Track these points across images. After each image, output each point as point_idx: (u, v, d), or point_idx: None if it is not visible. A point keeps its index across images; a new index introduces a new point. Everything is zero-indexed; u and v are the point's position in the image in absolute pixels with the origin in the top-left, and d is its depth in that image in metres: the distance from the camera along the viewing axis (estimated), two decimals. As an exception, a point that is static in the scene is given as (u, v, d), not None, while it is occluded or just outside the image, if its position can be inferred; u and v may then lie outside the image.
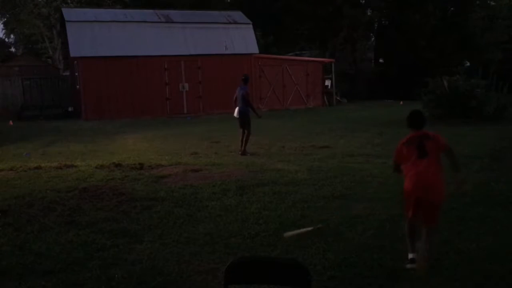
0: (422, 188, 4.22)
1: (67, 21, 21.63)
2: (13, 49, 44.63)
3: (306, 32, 33.56)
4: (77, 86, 21.95)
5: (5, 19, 36.79)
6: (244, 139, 10.62)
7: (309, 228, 5.32)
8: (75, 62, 21.52)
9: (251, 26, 24.28)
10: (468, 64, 33.64)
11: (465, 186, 4.93)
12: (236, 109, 10.77)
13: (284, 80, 25.01)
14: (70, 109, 23.33)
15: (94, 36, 21.03)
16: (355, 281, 4.09)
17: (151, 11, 24.01)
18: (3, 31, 50.10)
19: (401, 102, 24.95)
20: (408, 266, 4.27)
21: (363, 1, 33.83)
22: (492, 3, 35.17)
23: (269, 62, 24.48)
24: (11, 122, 19.71)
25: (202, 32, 23.12)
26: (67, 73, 26.18)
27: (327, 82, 27.07)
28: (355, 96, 28.73)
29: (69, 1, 31.16)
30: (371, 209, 6.05)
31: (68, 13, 22.78)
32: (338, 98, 27.58)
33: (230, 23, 24.11)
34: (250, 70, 23.17)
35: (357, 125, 15.64)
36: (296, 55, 28.72)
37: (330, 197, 6.66)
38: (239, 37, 23.82)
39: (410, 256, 4.32)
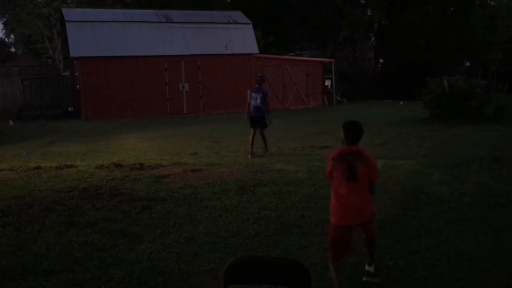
0: (353, 218, 3.90)
1: (67, 21, 21.63)
2: (13, 49, 44.64)
3: (306, 32, 33.56)
4: (77, 86, 21.96)
5: (5, 19, 36.81)
6: (262, 138, 10.51)
7: None
8: (75, 62, 21.52)
9: (251, 26, 24.28)
10: (468, 64, 33.67)
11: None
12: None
13: (284, 80, 25.01)
14: (70, 109, 23.33)
15: (94, 36, 21.03)
16: (355, 281, 4.09)
17: (151, 11, 24.03)
18: (3, 31, 50.09)
19: (401, 102, 24.95)
20: None
21: (363, 1, 33.81)
22: (492, 3, 35.19)
23: (269, 62, 24.48)
24: (11, 122, 19.71)
25: (202, 32, 23.13)
26: (67, 73, 26.19)
27: (327, 82, 27.07)
28: (355, 96, 28.73)
29: (69, 1, 31.18)
30: (371, 209, 6.05)
31: (68, 13, 22.79)
32: (338, 98, 27.59)
33: (230, 23, 24.11)
34: (250, 70, 23.19)
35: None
36: (296, 55, 28.71)
37: (330, 197, 6.64)
38: (239, 37, 23.83)
39: None
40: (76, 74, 21.88)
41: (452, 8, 33.18)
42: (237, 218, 5.76)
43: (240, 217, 5.78)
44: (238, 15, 24.92)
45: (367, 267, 4.16)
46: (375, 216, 4.10)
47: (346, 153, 3.90)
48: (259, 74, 11.62)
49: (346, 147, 3.94)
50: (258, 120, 10.54)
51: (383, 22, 35.84)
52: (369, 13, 34.23)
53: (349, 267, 4.33)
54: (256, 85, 10.68)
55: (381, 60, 36.59)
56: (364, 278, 4.12)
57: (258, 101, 10.47)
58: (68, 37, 21.42)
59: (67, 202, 6.66)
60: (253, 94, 10.53)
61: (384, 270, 4.22)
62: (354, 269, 4.30)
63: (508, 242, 4.84)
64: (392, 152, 10.31)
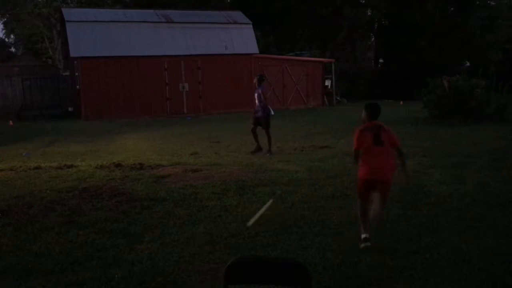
0: (377, 173, 4.76)
1: (67, 21, 21.64)
2: (13, 49, 44.63)
3: (306, 32, 33.57)
4: (77, 86, 21.96)
5: (5, 19, 36.82)
6: (267, 138, 10.57)
7: (269, 203, 5.86)
8: (75, 62, 21.53)
9: (251, 26, 24.28)
10: (468, 64, 33.67)
11: (410, 180, 5.48)
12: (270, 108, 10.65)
13: (284, 80, 25.02)
14: (70, 109, 23.34)
15: (94, 36, 21.04)
16: (355, 281, 4.09)
17: (151, 11, 24.03)
18: (3, 31, 50.05)
19: (401, 102, 24.95)
20: (362, 245, 4.68)
21: (363, 1, 33.82)
22: (492, 3, 35.19)
23: (269, 62, 24.48)
24: (11, 122, 19.71)
25: (202, 32, 23.14)
26: (67, 73, 26.20)
27: (327, 82, 27.07)
28: (355, 96, 28.73)
29: (69, 1, 31.20)
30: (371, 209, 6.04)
31: (68, 13, 22.81)
32: (338, 98, 27.59)
33: (230, 23, 24.11)
34: (250, 70, 23.20)
35: (357, 125, 15.55)
36: (296, 55, 28.71)
37: (330, 197, 6.65)
38: (239, 37, 23.83)
39: (363, 236, 4.74)
40: (76, 74, 21.89)
41: (452, 8, 33.18)
42: (237, 218, 5.75)
43: (240, 217, 5.78)
44: (238, 15, 24.93)
45: (363, 235, 4.72)
46: (389, 183, 4.87)
47: (370, 126, 4.91)
48: (259, 74, 11.64)
49: (369, 123, 4.96)
50: (258, 120, 10.62)
51: (383, 22, 35.83)
52: (369, 13, 34.24)
53: (349, 267, 4.33)
54: (256, 85, 10.76)
55: (381, 60, 36.57)
56: (361, 245, 4.68)
57: (256, 100, 10.60)
58: (68, 37, 21.43)
59: (67, 202, 6.66)
60: (255, 94, 10.68)
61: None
62: (354, 269, 4.30)
63: (508, 242, 4.84)
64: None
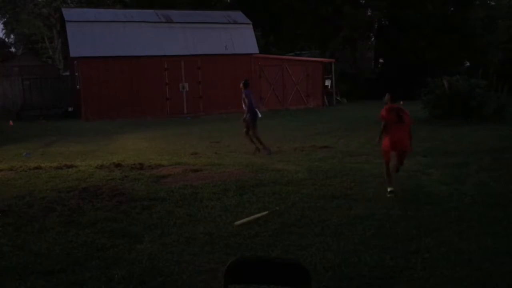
0: (397, 144, 6.66)
1: (67, 21, 21.64)
2: (13, 49, 44.62)
3: (306, 32, 33.55)
4: (77, 86, 21.96)
5: (5, 19, 36.82)
6: (256, 139, 10.82)
7: (264, 213, 5.79)
8: (75, 62, 21.52)
9: (251, 26, 24.28)
10: (468, 64, 33.65)
11: (412, 149, 7.17)
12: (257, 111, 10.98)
13: (284, 80, 25.01)
14: (70, 109, 23.34)
15: (94, 36, 21.04)
16: (355, 281, 4.09)
17: (151, 11, 24.02)
18: (3, 31, 50.10)
19: (401, 102, 24.87)
20: (389, 195, 6.55)
21: (363, 1, 33.80)
22: (492, 3, 35.16)
23: (269, 62, 24.48)
24: (11, 122, 19.71)
25: (202, 32, 23.13)
26: (67, 73, 26.20)
27: (327, 82, 27.06)
28: (355, 96, 28.72)
29: (69, 1, 31.21)
30: (371, 209, 6.05)
31: (68, 13, 22.80)
32: (338, 98, 27.58)
33: (230, 23, 24.11)
34: (250, 70, 23.20)
35: (357, 125, 15.64)
36: (296, 55, 28.70)
37: (330, 197, 6.66)
38: (239, 37, 23.82)
39: (389, 189, 6.63)
40: (76, 74, 21.88)
41: (452, 8, 33.14)
42: (237, 218, 5.75)
43: (240, 217, 5.78)
44: (238, 15, 24.92)
45: (389, 188, 6.65)
46: (408, 151, 6.89)
47: (393, 107, 6.76)
48: (244, 79, 11.78)
49: (391, 104, 6.80)
50: (245, 122, 10.91)
51: (383, 22, 35.80)
52: (369, 13, 34.22)
53: (349, 267, 4.33)
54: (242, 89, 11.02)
55: (381, 60, 36.54)
56: (388, 195, 6.55)
57: (243, 104, 10.89)
58: (68, 37, 21.42)
59: (67, 202, 6.66)
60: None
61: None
62: (354, 269, 4.30)
63: (508, 242, 4.84)
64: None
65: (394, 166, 6.83)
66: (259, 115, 10.94)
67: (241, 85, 10.99)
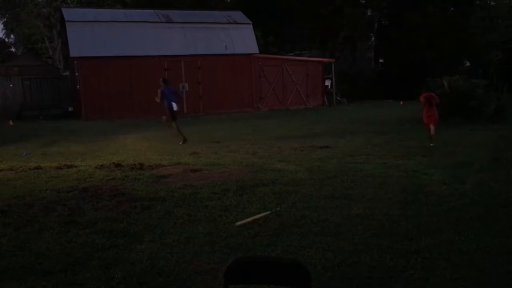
0: (430, 118, 11.05)
1: (67, 21, 21.65)
2: (13, 49, 44.65)
3: (306, 32, 33.56)
4: (77, 86, 21.97)
5: (5, 19, 36.83)
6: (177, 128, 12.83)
7: (265, 213, 5.80)
8: (75, 62, 21.53)
9: (251, 26, 24.29)
10: (468, 64, 33.67)
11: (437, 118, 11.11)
12: (174, 104, 12.93)
13: (284, 80, 25.02)
14: (70, 109, 23.35)
15: (94, 36, 21.05)
16: (355, 281, 4.09)
17: (151, 11, 24.03)
18: (3, 31, 50.08)
19: (401, 102, 24.95)
20: (432, 144, 10.71)
21: (363, 1, 33.80)
22: (492, 3, 35.17)
23: (269, 62, 24.49)
24: (11, 122, 19.71)
25: (202, 32, 23.14)
26: (67, 73, 26.20)
27: (327, 82, 27.07)
28: (355, 96, 28.73)
29: (69, 1, 31.21)
30: (371, 209, 6.05)
31: (68, 13, 22.81)
32: (338, 98, 27.59)
33: (230, 23, 24.12)
34: (250, 70, 23.21)
35: (357, 125, 15.65)
36: (296, 55, 28.73)
37: (330, 197, 6.65)
38: (239, 37, 23.83)
39: (431, 144, 10.76)
40: (76, 74, 21.89)
41: (452, 8, 33.15)
42: (237, 218, 5.75)
43: (240, 217, 5.78)
44: (238, 15, 24.93)
45: (431, 144, 10.57)
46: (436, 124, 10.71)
47: (427, 96, 11.26)
48: (162, 78, 14.21)
49: (426, 93, 11.56)
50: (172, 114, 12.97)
51: (383, 22, 35.82)
52: (369, 13, 34.22)
53: (349, 267, 4.33)
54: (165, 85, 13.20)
55: (381, 60, 36.55)
56: (431, 144, 10.20)
57: (172, 99, 13.01)
58: (68, 37, 21.43)
59: (67, 202, 6.65)
60: (165, 93, 13.19)
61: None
62: (354, 269, 4.30)
63: (508, 242, 4.84)
64: (392, 152, 10.32)
65: (432, 132, 10.98)
66: (175, 108, 12.90)
67: (161, 82, 13.25)
